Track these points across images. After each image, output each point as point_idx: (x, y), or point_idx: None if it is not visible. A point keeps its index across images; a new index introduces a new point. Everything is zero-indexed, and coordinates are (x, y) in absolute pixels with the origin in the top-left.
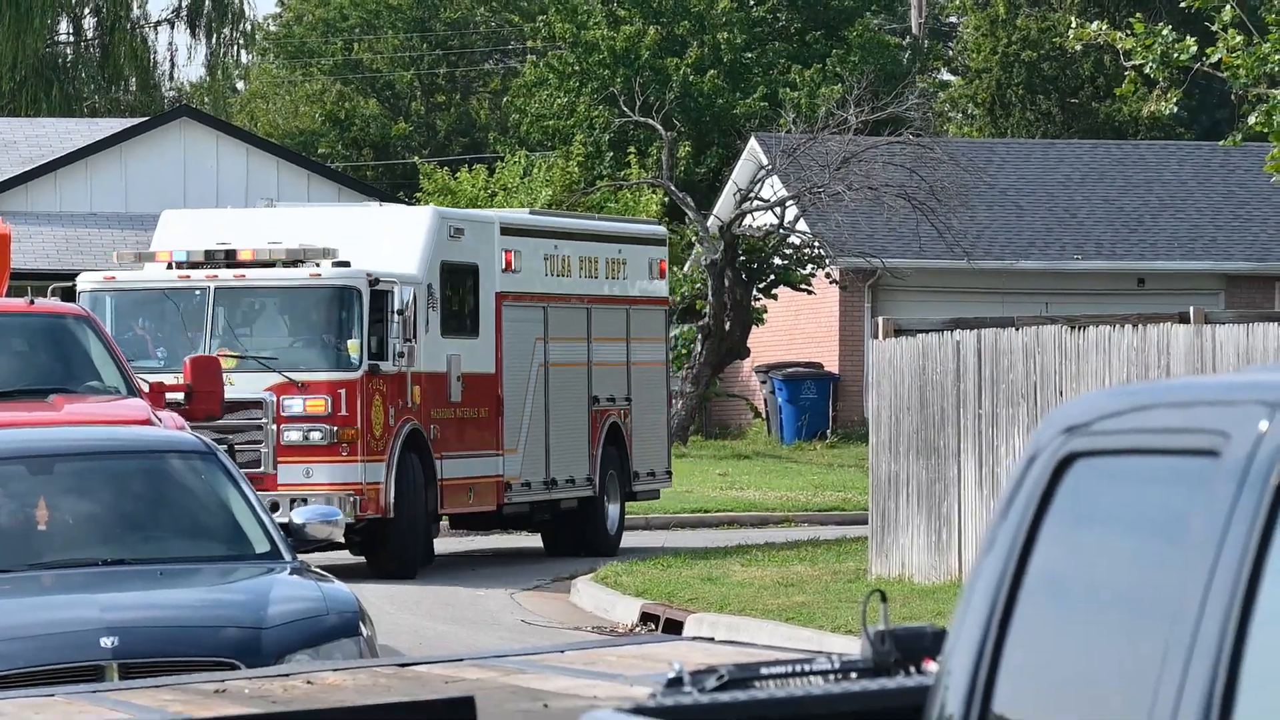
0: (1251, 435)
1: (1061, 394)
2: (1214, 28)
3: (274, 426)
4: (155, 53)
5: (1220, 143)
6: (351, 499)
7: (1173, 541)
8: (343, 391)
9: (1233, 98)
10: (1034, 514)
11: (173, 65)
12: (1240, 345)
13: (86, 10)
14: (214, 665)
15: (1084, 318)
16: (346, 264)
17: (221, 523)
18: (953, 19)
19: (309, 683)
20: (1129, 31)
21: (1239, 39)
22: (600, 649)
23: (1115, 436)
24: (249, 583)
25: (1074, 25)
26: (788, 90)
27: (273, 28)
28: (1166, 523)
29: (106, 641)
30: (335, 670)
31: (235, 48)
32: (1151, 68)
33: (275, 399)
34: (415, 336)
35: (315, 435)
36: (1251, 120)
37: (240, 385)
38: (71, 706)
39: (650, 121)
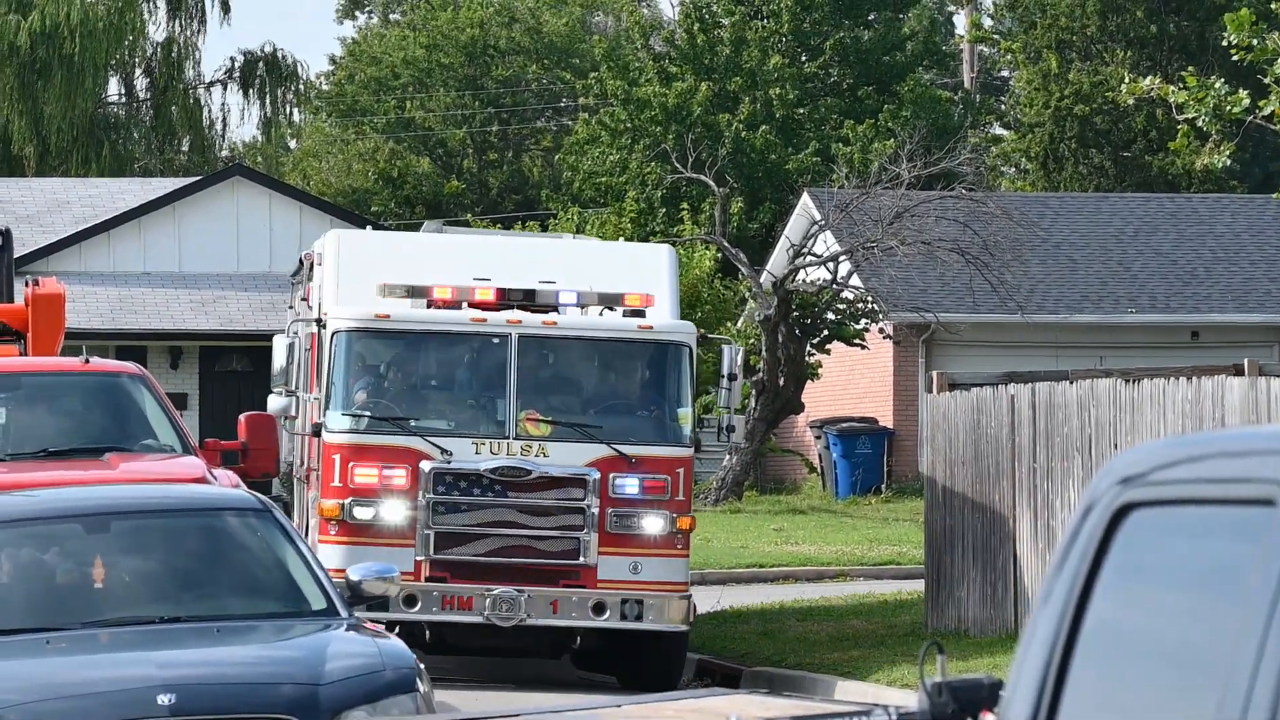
0: None
1: (1116, 447)
2: (1266, 80)
3: (596, 511)
4: (208, 112)
5: (1274, 196)
6: (684, 603)
7: (1227, 594)
8: (680, 471)
9: None
10: (1090, 565)
11: (225, 125)
12: None
13: (138, 71)
14: None
15: (1138, 371)
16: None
17: (277, 579)
18: (1004, 73)
19: None
20: (1181, 85)
21: None
22: (658, 703)
23: (1171, 487)
24: (305, 639)
25: (1126, 80)
26: (840, 145)
27: (325, 86)
28: (1221, 574)
29: (163, 699)
30: None
31: (288, 107)
32: (1204, 121)
33: (601, 476)
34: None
35: (650, 524)
36: None
37: (555, 457)
38: None
39: (703, 178)
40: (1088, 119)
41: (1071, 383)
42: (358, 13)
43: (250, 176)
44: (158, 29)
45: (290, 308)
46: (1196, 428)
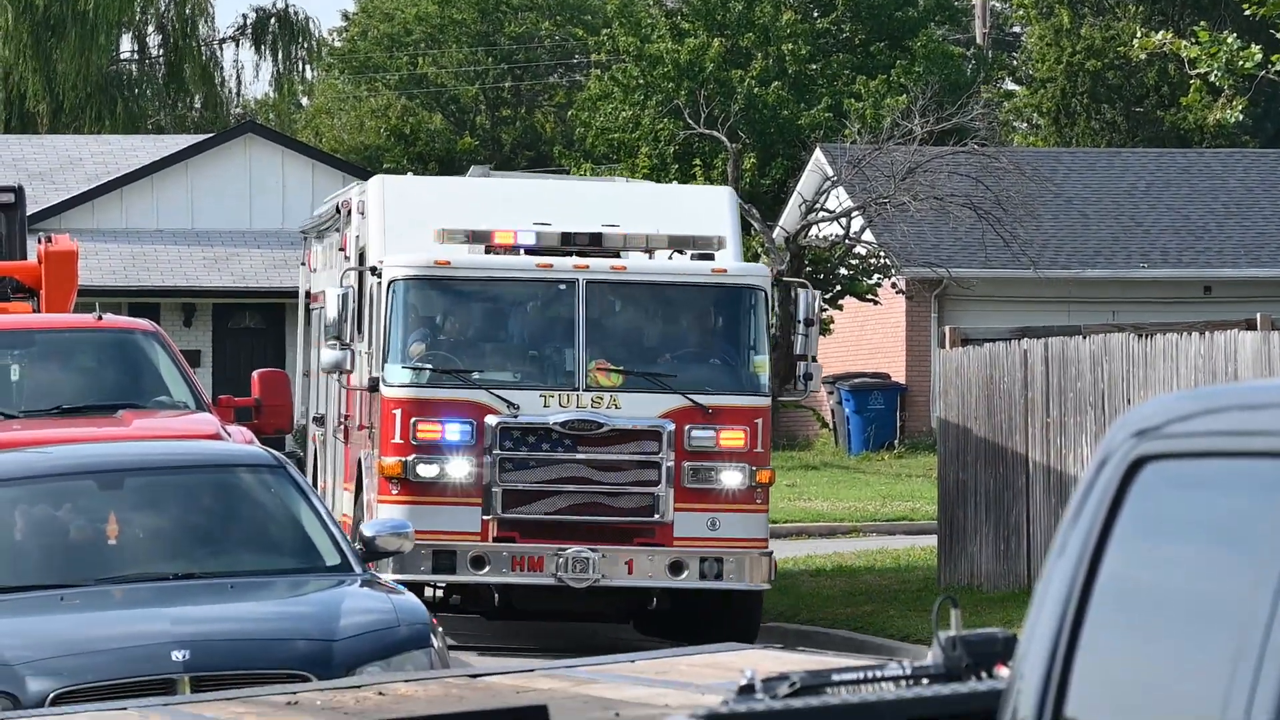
0: None
1: (1129, 402)
2: (1279, 35)
3: (671, 465)
4: (221, 70)
5: None
6: (765, 560)
7: (1243, 546)
8: (758, 422)
9: None
10: (1105, 518)
11: (239, 82)
12: None
13: (151, 28)
14: (285, 677)
15: (1151, 325)
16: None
17: (291, 535)
18: (1016, 29)
19: (380, 694)
20: (1193, 40)
21: None
22: (672, 658)
23: (1186, 439)
24: (320, 595)
25: (1138, 34)
26: (852, 101)
27: (337, 43)
28: (1237, 527)
29: (177, 655)
30: (407, 681)
31: (301, 64)
32: (1216, 75)
33: (676, 429)
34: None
35: (729, 478)
36: None
37: (627, 409)
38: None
39: (715, 134)
40: (1100, 74)
41: (1084, 338)
42: None
43: (263, 134)
44: None
45: (301, 264)
46: (1209, 382)
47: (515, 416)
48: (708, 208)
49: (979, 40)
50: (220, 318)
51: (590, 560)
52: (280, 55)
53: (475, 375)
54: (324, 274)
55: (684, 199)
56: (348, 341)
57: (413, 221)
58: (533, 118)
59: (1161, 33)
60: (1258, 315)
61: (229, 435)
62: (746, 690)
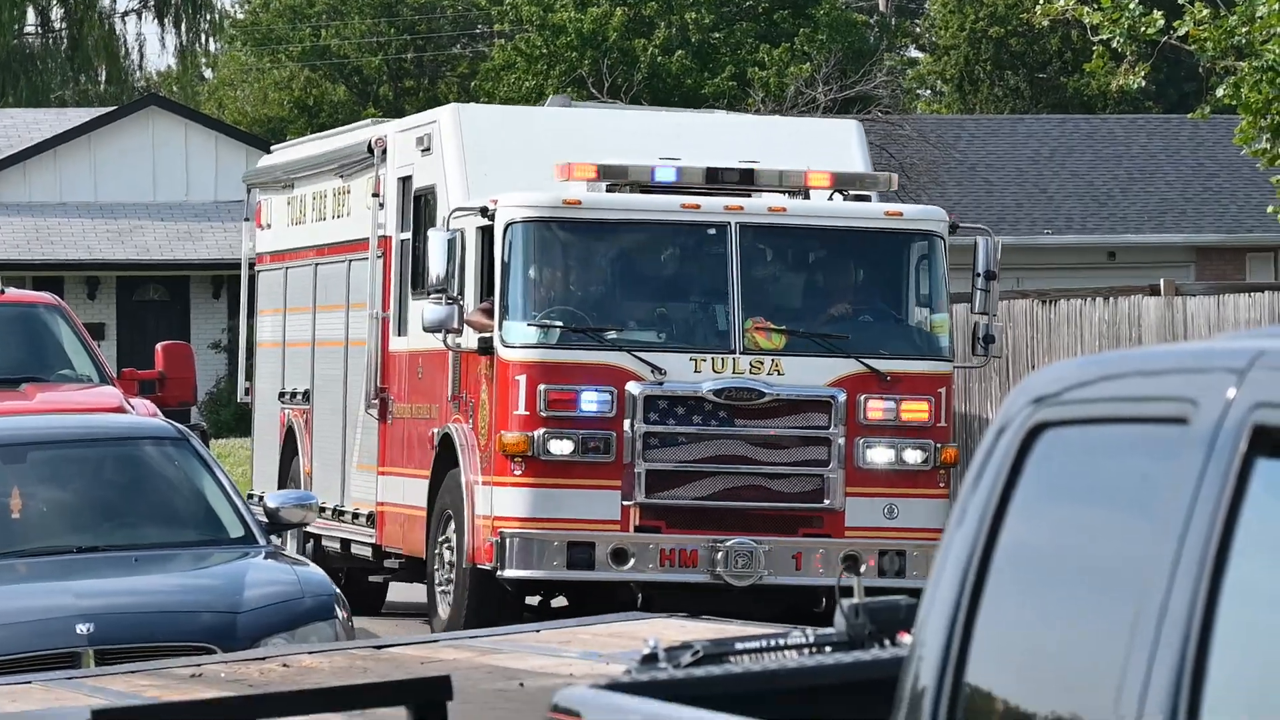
0: (1220, 402)
1: (1033, 367)
2: (1181, 1)
3: (843, 442)
4: (124, 43)
5: (1189, 116)
6: None
7: (1142, 511)
8: (942, 391)
9: (1200, 71)
10: (1004, 485)
11: (141, 55)
12: (1211, 316)
13: (54, 1)
14: (191, 650)
15: (1055, 292)
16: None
17: (196, 508)
18: None
19: (285, 666)
20: (1096, 6)
21: (1206, 12)
22: (576, 628)
23: (1084, 406)
24: (224, 567)
25: (1041, 1)
26: (756, 69)
27: (240, 15)
28: (1135, 492)
29: (82, 628)
30: (311, 653)
31: (204, 37)
32: (1119, 42)
33: (848, 399)
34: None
35: (911, 456)
36: (1220, 93)
37: (792, 375)
38: (49, 694)
39: (619, 103)
40: (1003, 41)
41: None
42: None
43: (166, 106)
44: None
45: (246, 220)
46: (1114, 347)
47: (661, 384)
48: (840, 141)
49: (882, 8)
50: (124, 291)
51: (755, 554)
52: (183, 28)
53: (613, 335)
54: (313, 226)
55: (810, 132)
56: (455, 295)
57: (500, 156)
58: (436, 89)
59: None
60: (1161, 280)
61: (132, 408)
62: (650, 659)
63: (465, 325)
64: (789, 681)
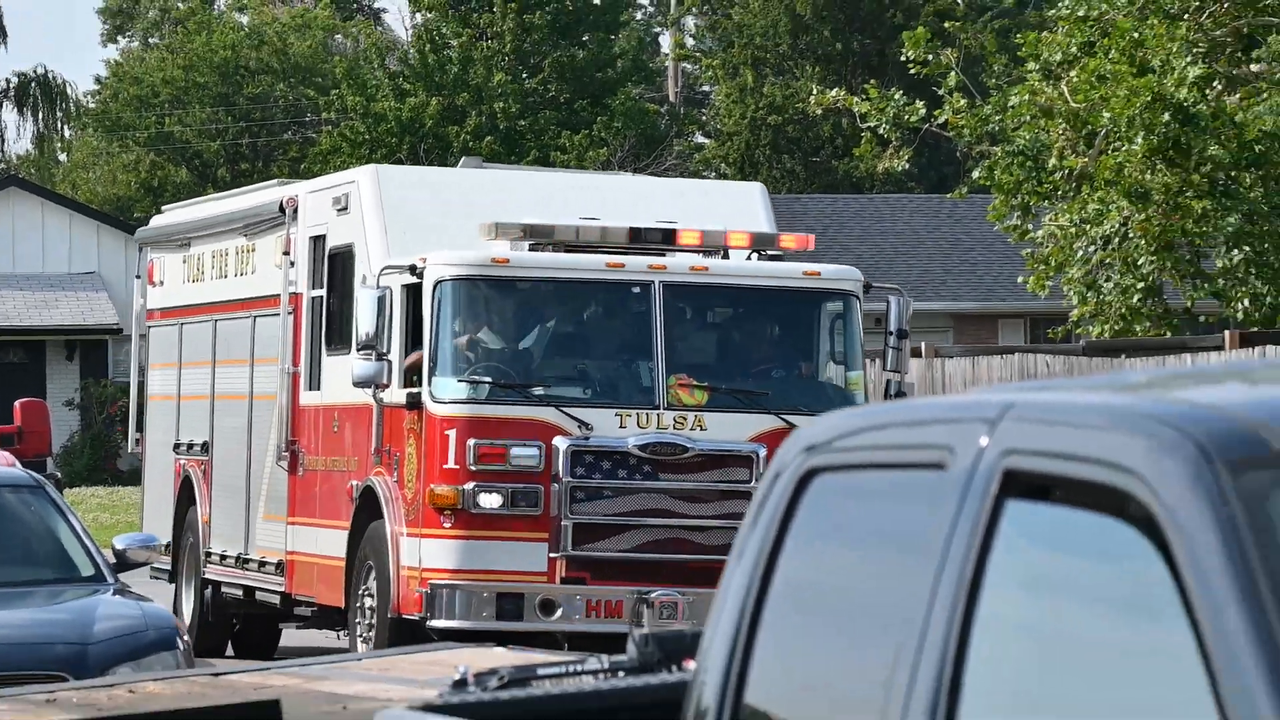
0: (973, 449)
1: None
2: (941, 92)
3: None
4: None
5: (948, 195)
6: None
7: (903, 549)
8: None
9: (958, 155)
10: (779, 526)
11: (3, 140)
12: (966, 375)
13: None
14: (45, 678)
15: None
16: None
17: (50, 549)
18: (706, 88)
19: (131, 692)
20: (864, 96)
21: (963, 102)
22: (395, 656)
23: (852, 453)
24: (76, 603)
25: (815, 92)
26: (558, 154)
27: (92, 104)
28: (897, 532)
29: None
30: (155, 680)
31: (60, 123)
32: (885, 129)
33: (769, 453)
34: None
35: None
36: (975, 175)
37: (714, 431)
38: None
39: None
40: (780, 128)
41: None
42: (120, 37)
43: (24, 186)
44: None
45: (137, 278)
46: (880, 403)
47: (587, 439)
48: (746, 203)
49: (672, 98)
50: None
51: (679, 604)
52: (40, 116)
53: (541, 391)
54: (213, 284)
55: (718, 193)
56: (384, 352)
57: (419, 215)
58: (269, 171)
59: (835, 90)
60: (923, 344)
61: None
62: (460, 684)
63: (393, 379)
64: (585, 704)
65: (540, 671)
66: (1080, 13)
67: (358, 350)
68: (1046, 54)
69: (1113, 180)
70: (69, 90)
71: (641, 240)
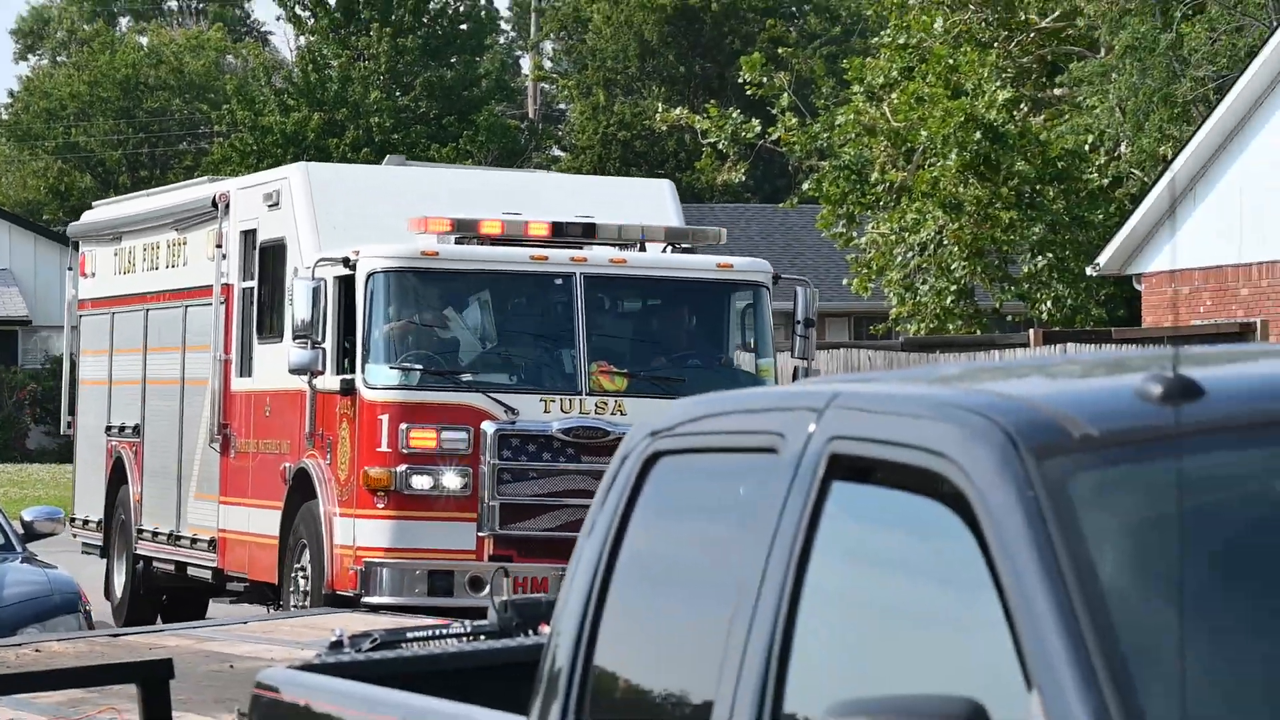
0: (803, 435)
1: None
2: (774, 111)
3: None
4: None
5: (780, 205)
6: None
7: (739, 525)
8: None
9: (790, 168)
10: (626, 503)
11: None
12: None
13: None
14: None
15: None
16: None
17: None
18: (562, 106)
19: (37, 650)
20: (705, 115)
21: (794, 120)
22: (277, 620)
23: (693, 438)
24: None
25: (660, 110)
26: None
27: (4, 116)
28: (734, 509)
29: None
30: (59, 640)
31: None
32: (724, 144)
33: None
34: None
35: None
36: (805, 187)
37: (633, 414)
38: None
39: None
40: (629, 143)
41: None
42: (31, 55)
43: None
44: None
45: (69, 269)
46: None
47: (513, 424)
48: (657, 199)
49: (531, 115)
50: None
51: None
52: None
53: (469, 378)
54: (151, 278)
55: (630, 190)
56: (319, 340)
57: (347, 210)
58: (166, 178)
59: (679, 109)
60: None
61: None
62: (336, 646)
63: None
64: (450, 664)
65: (409, 635)
66: (900, 40)
67: (294, 339)
68: (870, 78)
69: (929, 193)
70: None
71: (563, 234)
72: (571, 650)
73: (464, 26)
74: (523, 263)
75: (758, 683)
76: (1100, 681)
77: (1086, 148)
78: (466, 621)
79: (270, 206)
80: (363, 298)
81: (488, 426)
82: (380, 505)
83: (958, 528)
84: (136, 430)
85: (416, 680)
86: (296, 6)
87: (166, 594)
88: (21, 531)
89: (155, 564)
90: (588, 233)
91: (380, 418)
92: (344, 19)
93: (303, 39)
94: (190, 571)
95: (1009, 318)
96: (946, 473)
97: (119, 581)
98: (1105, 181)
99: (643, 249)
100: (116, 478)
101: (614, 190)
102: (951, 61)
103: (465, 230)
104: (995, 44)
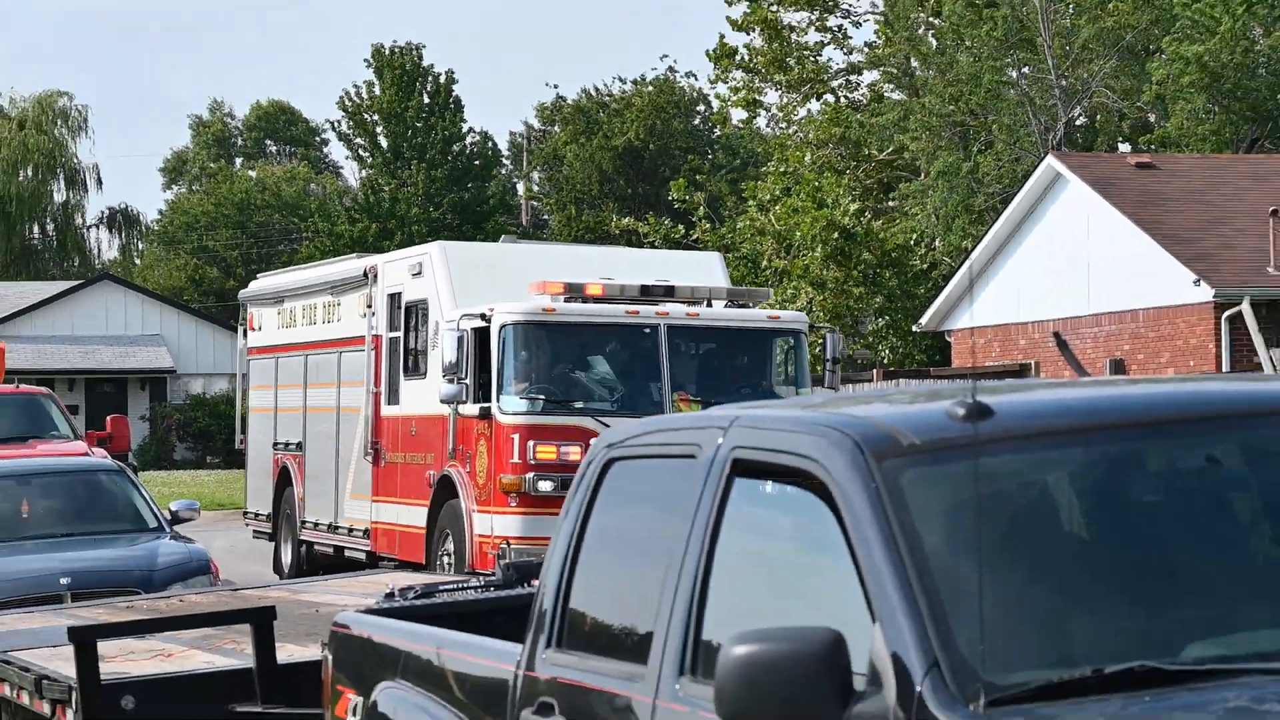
0: (714, 446)
1: None
2: (694, 218)
3: None
4: (88, 243)
5: None
6: None
7: (669, 509)
8: None
9: None
10: (590, 494)
11: (99, 249)
12: None
13: (49, 218)
14: (127, 593)
15: None
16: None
17: (129, 510)
18: (545, 216)
19: (180, 600)
20: (646, 221)
21: (708, 225)
22: (351, 578)
23: (638, 448)
24: (146, 545)
25: (615, 219)
26: None
27: (155, 227)
28: (665, 498)
29: (63, 580)
30: (197, 594)
31: (136, 238)
32: (659, 242)
33: None
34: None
35: None
36: None
37: None
38: (42, 617)
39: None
40: (594, 243)
41: None
42: (174, 185)
43: (113, 280)
44: (60, 194)
45: (241, 325)
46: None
47: None
48: (709, 267)
49: (524, 223)
50: (90, 386)
51: None
52: (123, 234)
53: (580, 405)
54: (311, 330)
55: (687, 260)
56: (463, 377)
57: (474, 278)
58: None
59: (628, 218)
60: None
61: (92, 453)
62: (389, 596)
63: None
64: (469, 608)
65: (441, 588)
66: (781, 169)
67: (443, 375)
68: (760, 195)
69: (802, 275)
70: (140, 218)
71: (649, 294)
72: (554, 597)
73: (477, 162)
74: (620, 316)
75: (684, 619)
76: (922, 614)
77: (912, 243)
78: (481, 577)
79: (414, 275)
80: (497, 344)
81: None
82: (512, 504)
83: (822, 509)
84: (299, 446)
85: (446, 619)
86: (360, 149)
87: (324, 569)
88: (169, 517)
89: (316, 547)
90: (668, 293)
91: (512, 436)
92: (393, 156)
93: (364, 172)
94: (347, 553)
95: (859, 361)
96: (814, 471)
97: (286, 560)
98: (925, 266)
99: (709, 305)
100: (282, 482)
101: (678, 260)
102: (817, 184)
103: (574, 292)
104: (847, 171)
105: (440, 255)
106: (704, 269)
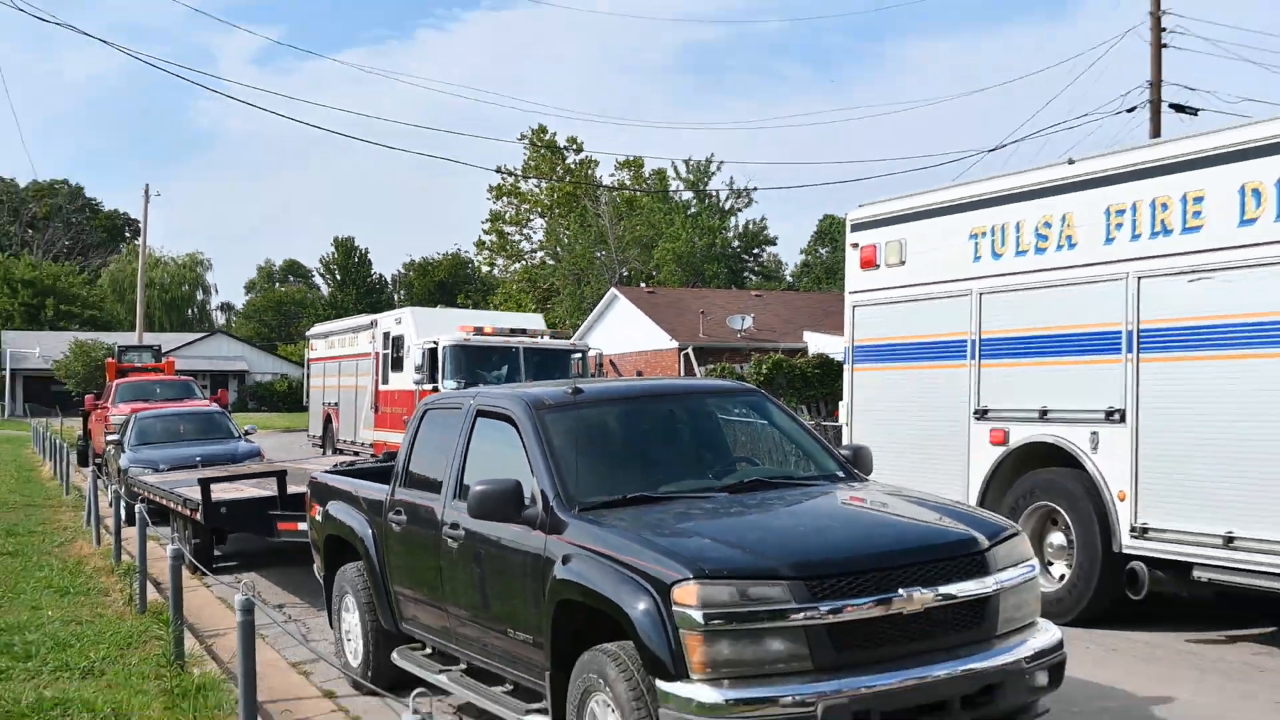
0: (469, 404)
1: None
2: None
3: None
4: (211, 315)
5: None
6: None
7: (450, 431)
8: None
9: None
10: (418, 423)
11: (214, 317)
12: None
13: (192, 305)
14: (223, 463)
15: None
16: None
17: (225, 429)
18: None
19: (247, 466)
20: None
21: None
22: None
23: (440, 404)
24: (232, 443)
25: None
26: None
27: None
28: (449, 426)
29: (197, 458)
30: (255, 465)
31: (232, 316)
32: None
33: None
34: None
35: None
36: None
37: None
38: (187, 474)
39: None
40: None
41: None
42: (254, 290)
43: (225, 333)
44: (199, 294)
45: (306, 350)
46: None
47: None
48: (539, 322)
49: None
50: (212, 378)
51: None
52: (228, 312)
53: (461, 385)
54: (342, 350)
55: (532, 319)
56: (423, 373)
57: (426, 324)
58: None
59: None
60: None
61: (211, 405)
62: (335, 467)
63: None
64: (370, 471)
65: (357, 464)
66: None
67: (414, 372)
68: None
69: None
70: (232, 306)
71: (515, 333)
72: (402, 463)
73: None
74: (501, 343)
75: (455, 475)
76: (553, 473)
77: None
78: (379, 458)
79: (396, 322)
80: (441, 356)
81: (421, 400)
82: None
83: (513, 431)
84: (336, 404)
85: (360, 475)
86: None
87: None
88: (243, 432)
89: (344, 452)
90: (523, 332)
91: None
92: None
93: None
94: (362, 455)
95: None
96: (510, 414)
97: (330, 462)
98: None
99: (541, 338)
100: (328, 421)
101: (525, 319)
102: (518, 301)
103: (479, 331)
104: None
105: (410, 314)
106: (536, 322)
